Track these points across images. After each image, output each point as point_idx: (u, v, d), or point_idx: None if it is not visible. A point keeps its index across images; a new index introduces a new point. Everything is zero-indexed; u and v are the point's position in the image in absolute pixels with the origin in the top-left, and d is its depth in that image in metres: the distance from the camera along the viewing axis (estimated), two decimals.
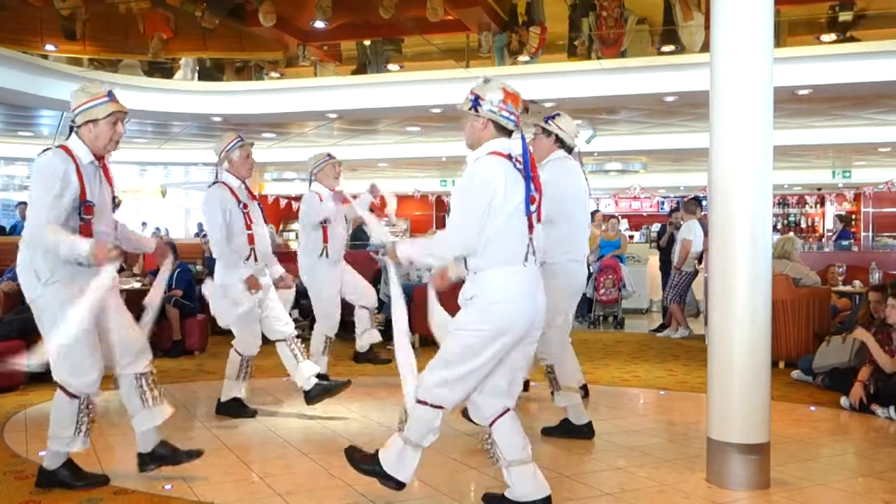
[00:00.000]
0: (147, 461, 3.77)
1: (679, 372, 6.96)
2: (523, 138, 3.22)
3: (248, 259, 5.02)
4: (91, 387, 3.60)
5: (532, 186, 3.17)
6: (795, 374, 6.52)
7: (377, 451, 3.36)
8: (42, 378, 6.29)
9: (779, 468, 3.86)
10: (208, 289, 5.10)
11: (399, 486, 3.30)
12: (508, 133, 3.22)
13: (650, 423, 5.20)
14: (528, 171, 3.17)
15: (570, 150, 4.62)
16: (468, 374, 3.12)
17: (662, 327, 9.85)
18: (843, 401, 5.44)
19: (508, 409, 3.23)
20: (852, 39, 9.09)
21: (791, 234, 11.24)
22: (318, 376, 5.24)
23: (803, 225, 21.71)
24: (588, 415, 4.65)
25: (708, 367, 3.82)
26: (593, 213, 11.17)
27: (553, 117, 4.60)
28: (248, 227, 5.02)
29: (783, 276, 6.94)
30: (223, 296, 5.00)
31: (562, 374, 4.54)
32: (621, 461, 4.19)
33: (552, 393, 4.63)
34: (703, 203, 9.69)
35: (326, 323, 5.90)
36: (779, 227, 21.03)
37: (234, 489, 3.68)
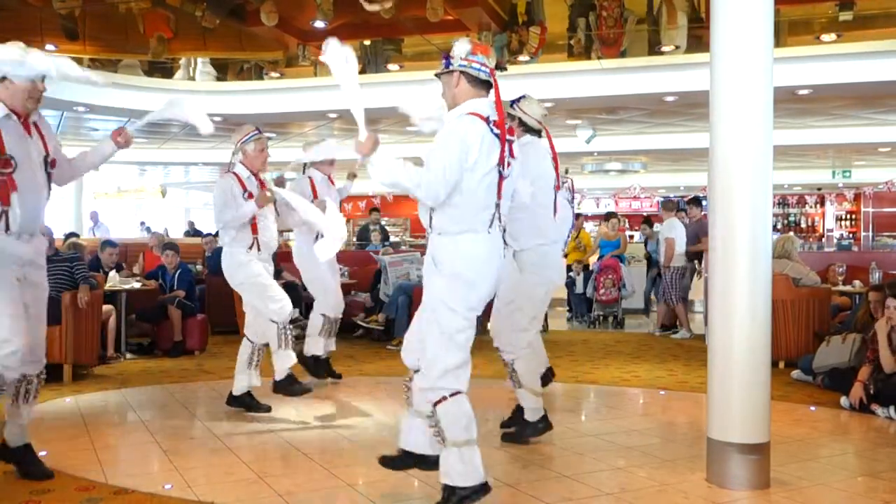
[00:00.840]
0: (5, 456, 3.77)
1: (679, 372, 6.96)
2: (498, 99, 3.17)
3: (251, 248, 5.06)
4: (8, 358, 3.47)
5: (508, 150, 3.17)
6: (795, 374, 6.52)
7: (444, 487, 3.14)
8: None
9: (779, 468, 3.86)
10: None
11: (486, 488, 3.13)
12: (485, 88, 3.19)
13: (650, 423, 5.19)
14: (504, 135, 3.15)
15: (538, 133, 4.56)
16: (457, 350, 3.11)
17: (662, 327, 9.84)
18: (843, 401, 5.44)
19: (459, 392, 3.12)
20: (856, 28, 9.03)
21: (791, 233, 11.25)
22: (318, 360, 5.44)
23: (803, 225, 21.71)
24: (543, 409, 4.50)
25: (708, 367, 3.82)
26: (608, 215, 11.29)
27: (518, 100, 4.54)
28: (253, 217, 5.06)
29: (783, 275, 6.93)
30: (236, 264, 5.08)
31: (524, 373, 4.43)
32: (621, 461, 4.19)
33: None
34: (703, 203, 9.70)
35: (322, 301, 6.01)
36: (779, 226, 21.03)
37: (234, 489, 3.67)
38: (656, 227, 11.63)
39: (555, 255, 4.53)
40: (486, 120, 3.12)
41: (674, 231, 9.56)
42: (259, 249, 5.10)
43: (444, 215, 3.12)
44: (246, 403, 5.23)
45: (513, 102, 4.56)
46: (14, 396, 3.68)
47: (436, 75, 3.28)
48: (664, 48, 9.36)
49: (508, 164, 3.18)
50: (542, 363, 4.87)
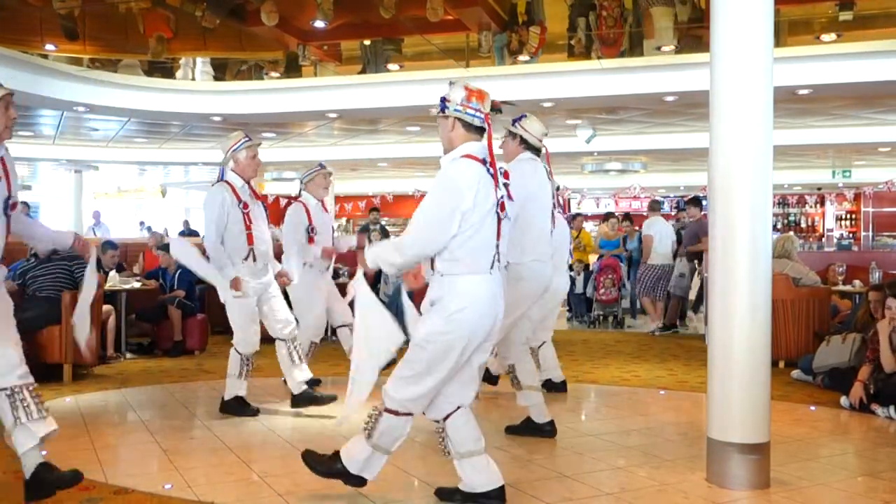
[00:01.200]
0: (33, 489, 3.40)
1: (679, 372, 6.96)
2: (490, 145, 3.21)
3: (246, 259, 5.02)
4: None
5: (505, 192, 3.22)
6: (795, 373, 6.52)
7: (336, 452, 3.41)
8: (42, 378, 6.31)
9: (779, 468, 3.86)
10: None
11: (363, 483, 3.38)
12: (480, 133, 3.22)
13: (650, 422, 5.19)
14: (500, 177, 3.20)
15: (537, 151, 4.64)
16: (436, 384, 3.18)
17: (662, 327, 9.85)
18: (843, 400, 5.44)
19: (461, 406, 3.28)
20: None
21: (791, 233, 11.25)
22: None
23: (803, 224, 21.71)
24: (549, 414, 4.64)
25: (708, 366, 3.82)
26: (607, 215, 11.38)
27: (519, 119, 4.63)
28: (248, 227, 5.01)
29: (783, 275, 6.93)
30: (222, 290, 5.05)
31: (522, 374, 4.56)
32: (621, 461, 4.19)
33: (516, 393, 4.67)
34: (704, 203, 9.71)
35: (307, 327, 5.87)
36: (779, 226, 21.03)
37: (234, 489, 3.67)
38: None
39: (545, 270, 4.55)
40: (483, 162, 3.15)
41: (651, 229, 9.90)
42: (255, 260, 5.06)
43: (447, 258, 3.13)
44: (235, 409, 5.19)
45: (514, 121, 4.64)
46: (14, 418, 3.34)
47: (439, 115, 3.30)
48: (664, 48, 9.37)
49: (504, 206, 3.21)
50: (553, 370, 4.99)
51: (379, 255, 3.22)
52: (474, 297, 3.12)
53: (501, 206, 3.18)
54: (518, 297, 4.29)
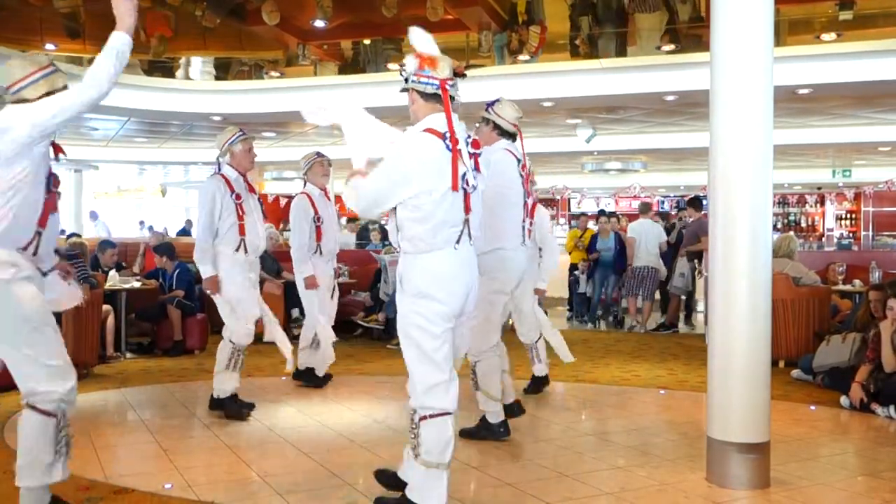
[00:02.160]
0: None
1: (679, 371, 6.96)
2: (448, 114, 3.09)
3: (237, 249, 5.05)
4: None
5: (473, 164, 3.12)
6: (795, 373, 6.52)
7: (403, 495, 3.16)
8: None
9: (779, 467, 3.86)
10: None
11: None
12: (439, 101, 3.10)
13: (650, 422, 5.19)
14: (467, 149, 3.10)
15: (512, 136, 4.53)
16: (436, 368, 3.06)
17: (662, 326, 9.86)
18: (843, 400, 5.44)
19: (448, 413, 3.07)
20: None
21: (791, 233, 11.25)
22: (308, 369, 5.65)
23: (803, 224, 21.70)
24: (501, 415, 4.46)
25: (708, 366, 3.82)
26: (609, 214, 11.30)
27: (493, 104, 4.52)
28: (240, 218, 5.04)
29: (783, 275, 6.93)
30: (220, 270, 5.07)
31: (482, 376, 4.38)
32: (621, 461, 4.19)
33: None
34: (704, 203, 9.72)
35: (311, 314, 6.03)
36: (779, 226, 21.02)
37: (234, 489, 3.67)
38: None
39: (516, 259, 4.45)
40: (443, 136, 3.05)
41: (635, 231, 10.07)
42: (246, 251, 5.08)
43: (406, 238, 3.08)
44: (226, 406, 5.16)
45: (487, 106, 4.53)
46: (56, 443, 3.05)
47: (401, 91, 3.23)
48: (664, 48, 9.38)
49: (473, 179, 3.12)
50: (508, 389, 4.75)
51: (349, 181, 3.18)
52: (436, 274, 3.04)
53: (466, 181, 3.08)
54: (486, 291, 4.09)
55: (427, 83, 3.09)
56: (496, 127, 4.47)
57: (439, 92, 3.09)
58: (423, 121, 3.12)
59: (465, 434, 4.42)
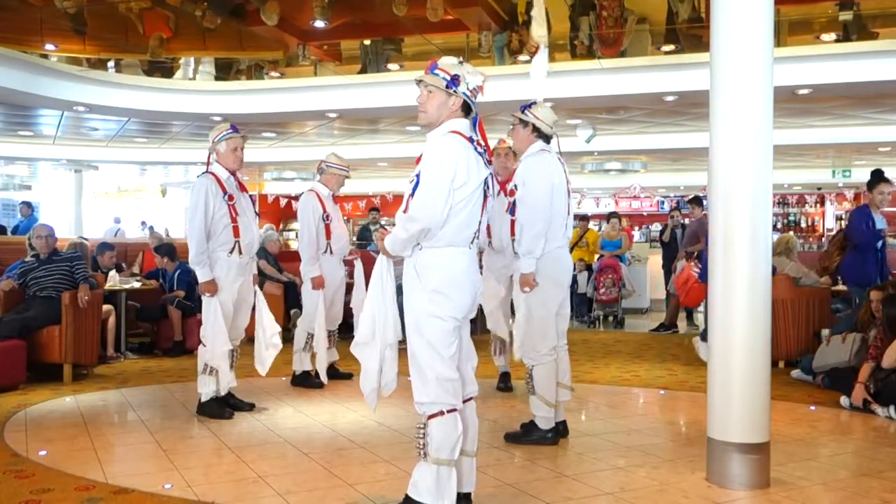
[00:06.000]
0: None
1: (679, 371, 6.96)
2: (476, 119, 3.24)
3: (231, 252, 5.00)
4: None
5: (492, 171, 3.27)
6: (795, 373, 6.52)
7: (407, 496, 3.13)
8: (42, 378, 6.32)
9: (779, 467, 3.86)
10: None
11: None
12: (466, 114, 3.24)
13: (650, 422, 5.19)
14: (485, 155, 3.22)
15: (548, 139, 4.58)
16: (444, 364, 3.07)
17: (662, 326, 9.86)
18: (843, 400, 5.44)
19: (455, 409, 3.08)
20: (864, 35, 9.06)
21: (791, 233, 11.26)
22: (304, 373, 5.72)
23: (803, 224, 21.71)
24: (552, 421, 4.45)
25: (708, 366, 3.82)
26: (611, 215, 11.34)
27: (529, 106, 4.57)
28: (234, 220, 4.97)
29: (783, 275, 6.93)
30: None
31: (539, 380, 4.36)
32: (621, 461, 4.19)
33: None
34: (704, 202, 9.72)
35: (308, 319, 6.01)
36: (779, 226, 21.03)
37: (234, 489, 3.67)
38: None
39: (567, 257, 4.54)
40: (470, 140, 3.16)
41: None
42: (241, 253, 5.04)
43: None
44: (230, 405, 5.19)
45: (524, 108, 4.57)
46: None
47: (419, 83, 3.32)
48: (664, 48, 9.38)
49: (491, 182, 3.28)
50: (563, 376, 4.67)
51: (395, 237, 3.12)
52: (452, 271, 3.09)
53: (487, 184, 3.21)
54: (542, 291, 4.26)
55: (474, 102, 3.25)
56: (535, 129, 4.53)
57: (473, 107, 3.25)
58: (447, 124, 3.20)
59: (510, 439, 4.46)
